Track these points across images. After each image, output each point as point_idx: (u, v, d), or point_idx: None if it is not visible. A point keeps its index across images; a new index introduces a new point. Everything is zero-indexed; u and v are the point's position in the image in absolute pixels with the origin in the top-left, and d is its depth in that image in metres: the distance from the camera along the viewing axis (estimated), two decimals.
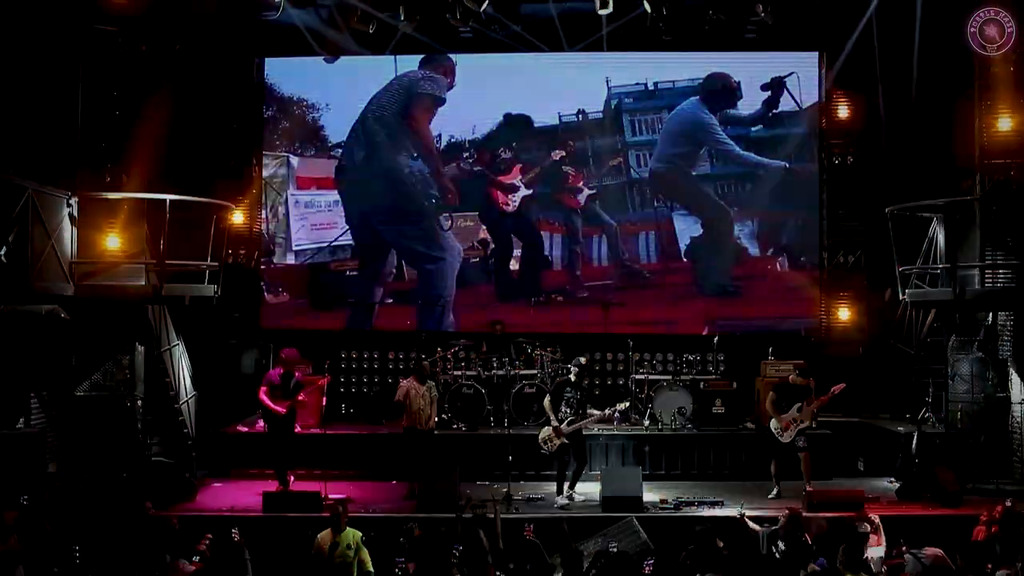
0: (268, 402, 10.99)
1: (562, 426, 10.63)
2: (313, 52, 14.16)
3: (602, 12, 13.04)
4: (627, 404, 11.49)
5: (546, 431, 10.79)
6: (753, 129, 14.32)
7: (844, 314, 13.92)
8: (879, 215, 12.42)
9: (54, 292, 10.34)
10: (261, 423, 12.36)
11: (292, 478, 11.19)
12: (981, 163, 11.87)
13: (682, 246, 14.41)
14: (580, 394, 10.78)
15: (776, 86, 14.17)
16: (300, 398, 11.20)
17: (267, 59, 14.47)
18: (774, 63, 14.14)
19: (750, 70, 14.21)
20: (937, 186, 12.23)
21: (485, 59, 14.31)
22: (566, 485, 10.73)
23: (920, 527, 9.51)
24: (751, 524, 9.16)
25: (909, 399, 12.60)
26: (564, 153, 14.44)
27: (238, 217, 13.68)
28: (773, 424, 10.93)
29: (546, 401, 10.95)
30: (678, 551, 8.69)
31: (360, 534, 8.69)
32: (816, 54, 14.07)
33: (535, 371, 12.94)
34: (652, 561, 8.19)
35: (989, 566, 8.15)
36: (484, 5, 12.57)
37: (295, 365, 11.32)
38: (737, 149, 14.28)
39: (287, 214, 14.60)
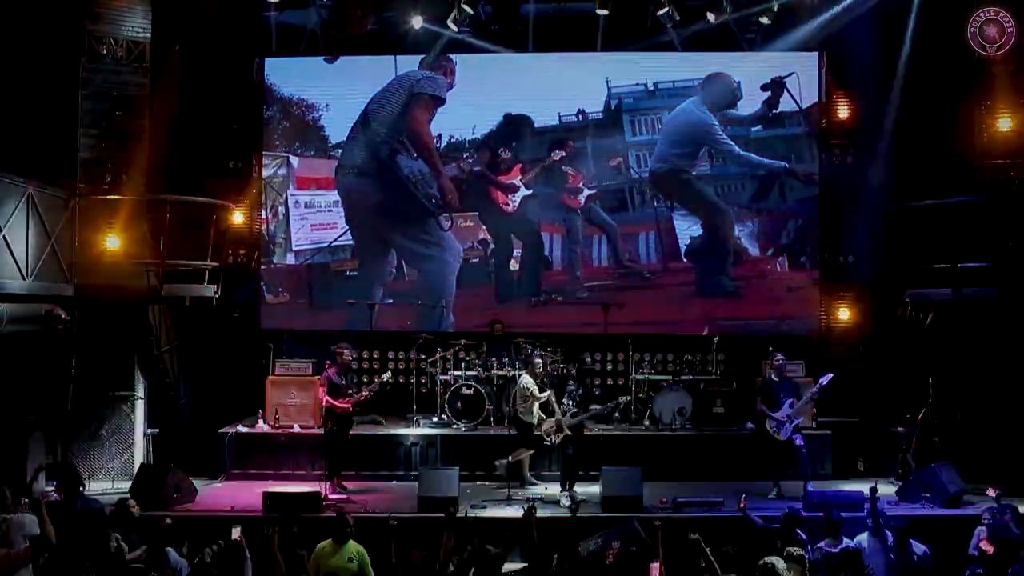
0: (333, 402, 10.97)
1: (564, 419, 10.64)
2: (313, 52, 14.19)
3: (600, 12, 13.11)
4: (627, 398, 11.49)
5: (549, 424, 10.80)
6: (753, 129, 14.31)
7: (844, 314, 13.92)
8: (879, 215, 12.47)
9: (54, 292, 10.36)
10: (261, 423, 12.39)
11: (339, 481, 11.22)
12: (981, 163, 11.88)
13: (682, 246, 14.41)
14: (582, 389, 10.79)
15: (776, 86, 14.16)
16: (365, 394, 11.18)
17: (267, 59, 14.46)
18: (774, 63, 14.13)
19: (750, 70, 14.21)
20: (937, 186, 12.23)
21: (485, 59, 14.30)
22: (567, 482, 10.75)
23: (920, 527, 9.51)
24: (754, 517, 9.13)
25: (909, 399, 12.59)
26: (564, 153, 14.44)
27: (238, 217, 13.69)
28: (768, 423, 10.94)
29: (550, 395, 10.95)
30: (678, 551, 8.68)
31: (362, 548, 8.39)
32: (816, 54, 14.06)
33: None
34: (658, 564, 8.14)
35: None
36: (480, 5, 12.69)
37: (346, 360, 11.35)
38: (737, 149, 14.28)
39: (287, 214, 14.60)
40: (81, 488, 9.11)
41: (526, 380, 11.22)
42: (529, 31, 13.99)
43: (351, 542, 8.33)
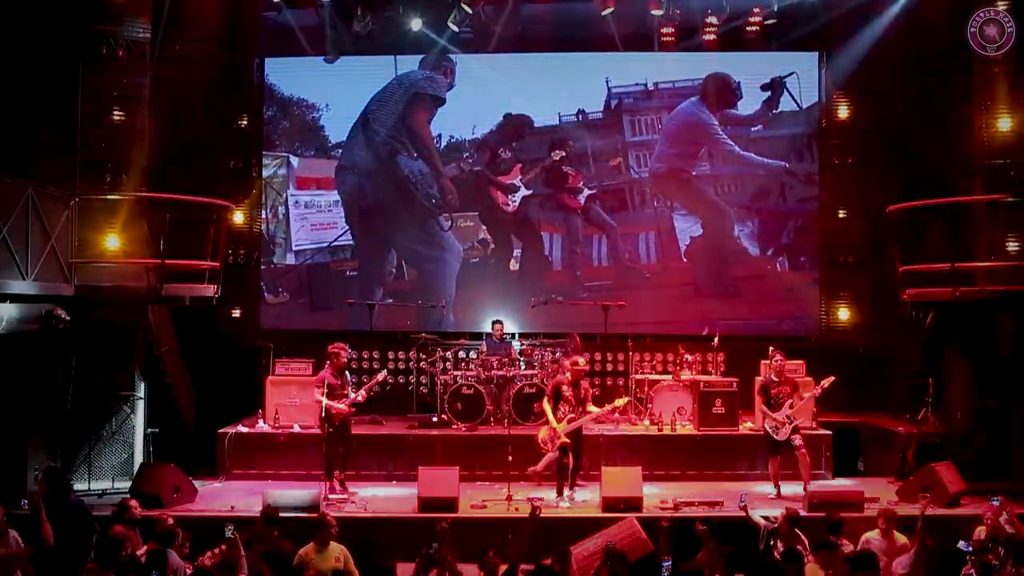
0: (329, 403, 10.92)
1: (561, 425, 10.61)
2: (313, 52, 14.19)
3: (604, 13, 13.14)
4: (625, 400, 11.46)
5: (545, 431, 10.77)
6: (753, 129, 14.33)
7: (844, 314, 13.92)
8: (879, 215, 12.44)
9: (54, 292, 10.35)
10: (261, 423, 12.38)
11: (342, 477, 11.17)
12: (981, 163, 11.87)
13: (682, 246, 14.42)
14: (580, 392, 10.75)
15: (776, 86, 14.19)
16: (362, 395, 11.18)
17: (267, 59, 14.48)
18: (774, 63, 14.15)
19: (750, 70, 14.22)
20: (937, 186, 12.23)
21: (485, 59, 14.31)
22: (565, 485, 10.73)
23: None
24: (755, 517, 9.13)
25: (909, 399, 12.60)
26: (564, 153, 14.45)
27: (238, 217, 13.69)
28: (767, 423, 10.93)
29: (544, 401, 10.93)
30: (679, 551, 8.69)
31: (345, 548, 8.42)
32: (816, 54, 14.09)
33: (535, 371, 12.93)
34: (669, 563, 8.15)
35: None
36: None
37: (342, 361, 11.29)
38: (737, 149, 14.29)
39: (287, 214, 14.61)
40: (70, 492, 9.08)
41: (560, 380, 11.18)
42: (529, 31, 13.98)
43: (333, 543, 8.33)
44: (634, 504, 10.14)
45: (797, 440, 10.81)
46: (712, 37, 13.80)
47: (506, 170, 14.57)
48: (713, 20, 13.35)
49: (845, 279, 13.99)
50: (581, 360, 11.01)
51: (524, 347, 13.27)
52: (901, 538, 8.73)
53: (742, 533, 9.13)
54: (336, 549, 8.36)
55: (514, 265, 14.58)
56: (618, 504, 10.13)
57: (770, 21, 13.49)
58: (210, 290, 11.88)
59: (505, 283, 14.50)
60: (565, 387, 10.72)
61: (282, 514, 9.19)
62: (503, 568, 7.76)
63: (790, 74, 14.14)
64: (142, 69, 11.86)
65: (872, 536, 8.79)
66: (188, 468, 11.17)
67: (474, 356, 13.21)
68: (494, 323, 13.47)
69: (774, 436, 10.87)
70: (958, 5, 11.97)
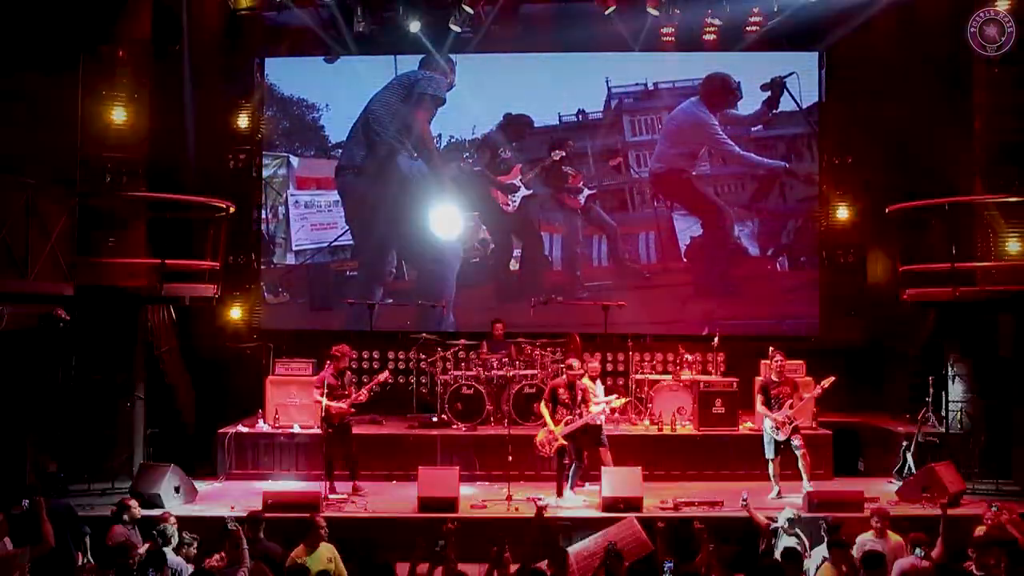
0: (328, 403, 10.89)
1: (558, 428, 10.61)
2: (313, 52, 14.20)
3: (607, 12, 13.14)
4: (622, 400, 11.45)
5: (542, 434, 10.77)
6: (753, 129, 14.33)
7: (844, 314, 13.91)
8: (879, 215, 12.44)
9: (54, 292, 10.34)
10: (261, 423, 12.38)
11: (355, 481, 11.11)
12: (981, 163, 11.87)
13: (682, 246, 14.42)
14: (576, 394, 10.74)
15: (776, 86, 14.19)
16: (363, 395, 11.14)
17: (267, 59, 14.48)
18: (774, 63, 14.15)
19: (750, 70, 14.22)
20: (937, 186, 12.22)
21: (485, 59, 14.32)
22: (565, 486, 10.74)
23: (920, 527, 9.49)
24: (758, 516, 9.12)
25: (909, 399, 12.60)
26: (564, 153, 14.45)
27: (238, 216, 13.65)
28: (767, 424, 10.93)
29: (541, 404, 10.92)
30: (678, 552, 8.68)
31: (334, 549, 8.42)
32: (816, 54, 14.08)
33: (535, 371, 12.93)
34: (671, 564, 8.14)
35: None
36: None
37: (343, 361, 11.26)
38: (737, 149, 14.29)
39: (287, 214, 14.61)
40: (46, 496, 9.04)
41: (587, 382, 11.17)
42: (529, 31, 13.98)
43: (323, 544, 8.32)
44: (634, 504, 10.14)
45: (797, 440, 10.81)
46: (712, 37, 13.83)
47: (506, 170, 14.57)
48: (713, 20, 13.33)
49: (845, 279, 13.99)
50: (575, 363, 11.00)
51: (524, 344, 13.25)
52: (895, 538, 8.72)
53: (742, 533, 9.14)
54: (326, 550, 8.36)
55: (514, 265, 14.58)
56: (618, 504, 10.13)
57: (771, 21, 13.49)
58: (210, 290, 11.88)
59: (505, 283, 14.50)
60: (561, 390, 10.74)
61: (274, 515, 9.21)
62: (514, 568, 7.76)
63: (790, 74, 14.14)
64: (142, 69, 11.86)
65: (867, 537, 8.78)
66: (188, 468, 11.17)
67: (474, 356, 13.21)
68: (494, 323, 13.47)
69: (774, 436, 10.87)
70: (958, 5, 11.97)
